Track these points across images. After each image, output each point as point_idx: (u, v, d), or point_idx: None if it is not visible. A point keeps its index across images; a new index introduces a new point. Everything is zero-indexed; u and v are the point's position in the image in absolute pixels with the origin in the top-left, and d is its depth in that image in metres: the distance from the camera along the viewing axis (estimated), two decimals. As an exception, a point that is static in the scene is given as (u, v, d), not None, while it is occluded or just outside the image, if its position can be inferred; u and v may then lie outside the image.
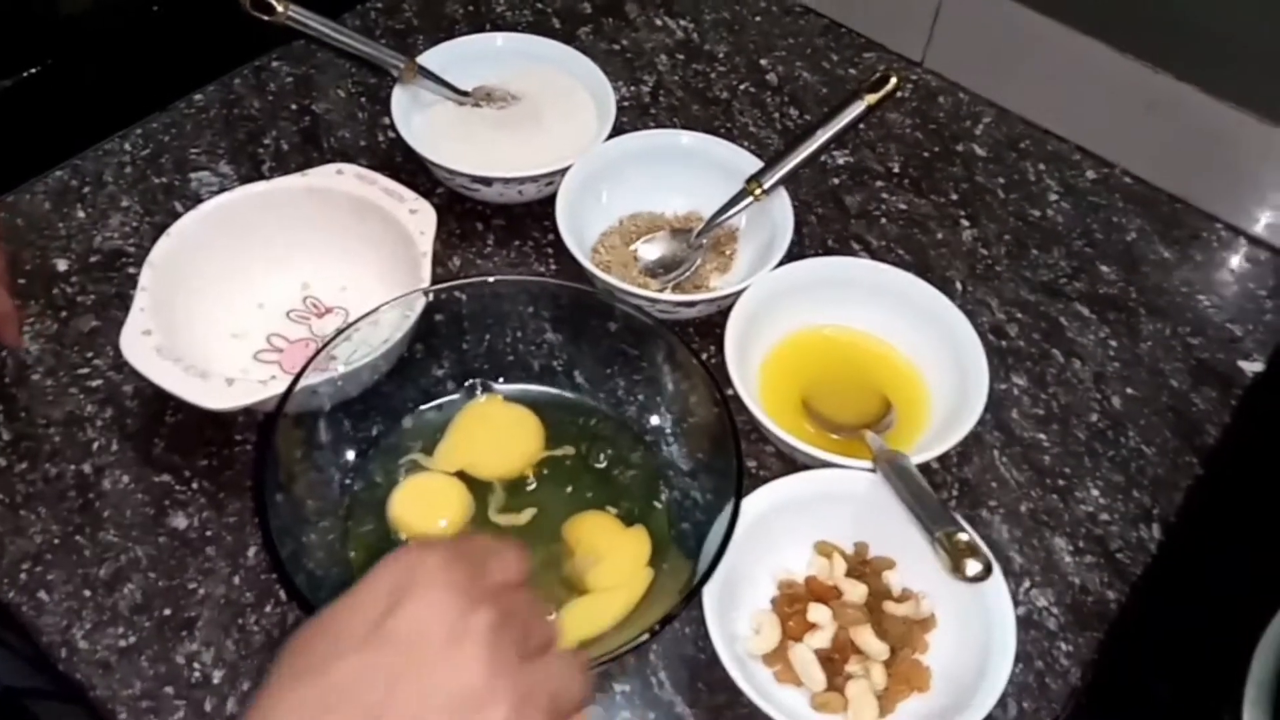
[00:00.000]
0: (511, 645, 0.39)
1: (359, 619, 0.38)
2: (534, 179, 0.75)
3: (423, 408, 0.65)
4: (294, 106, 0.85)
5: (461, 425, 0.65)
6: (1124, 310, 0.76)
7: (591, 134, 0.78)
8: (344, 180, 0.70)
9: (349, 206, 0.70)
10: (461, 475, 0.62)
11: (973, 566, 0.52)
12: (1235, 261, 0.80)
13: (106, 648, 0.59)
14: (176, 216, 0.68)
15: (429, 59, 0.81)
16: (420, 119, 0.80)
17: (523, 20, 0.94)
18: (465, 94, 0.81)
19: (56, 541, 0.62)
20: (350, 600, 0.40)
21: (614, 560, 0.58)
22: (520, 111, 0.81)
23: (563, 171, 0.74)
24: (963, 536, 0.53)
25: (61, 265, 0.74)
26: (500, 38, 0.85)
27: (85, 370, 0.69)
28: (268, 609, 0.60)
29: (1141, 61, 0.79)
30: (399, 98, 0.78)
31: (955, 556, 0.53)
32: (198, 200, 0.71)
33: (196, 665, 0.58)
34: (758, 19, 0.95)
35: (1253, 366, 0.74)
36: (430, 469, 0.63)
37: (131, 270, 0.73)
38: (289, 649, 0.39)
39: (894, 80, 0.71)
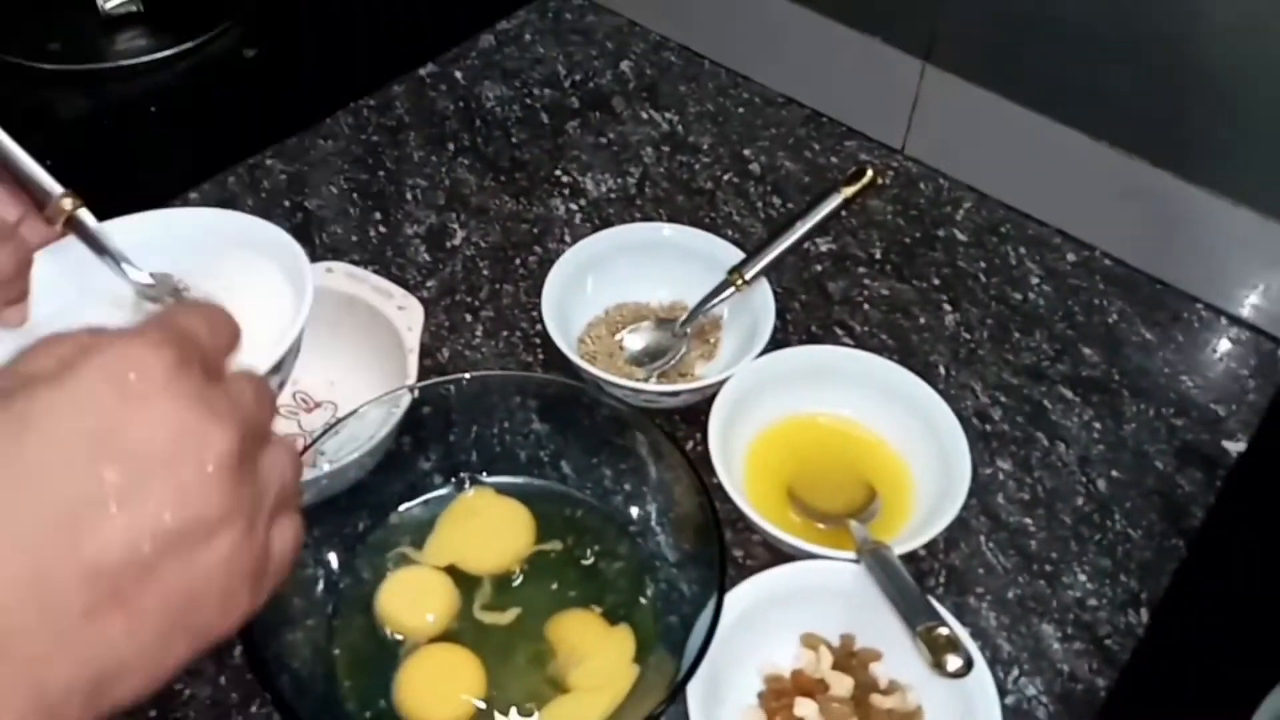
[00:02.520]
0: (248, 461, 0.33)
1: (65, 423, 0.30)
2: None
3: (410, 503, 0.66)
4: (287, 203, 0.87)
5: (451, 518, 0.65)
6: (1107, 392, 0.77)
7: (286, 322, 0.55)
8: (334, 278, 0.72)
9: (338, 303, 0.71)
10: (451, 569, 0.63)
11: (953, 662, 0.52)
12: (1217, 342, 0.81)
13: (93, 750, 0.59)
14: (168, 315, 0.69)
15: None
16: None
17: (512, 116, 0.96)
18: (146, 284, 0.54)
19: (45, 643, 0.62)
20: (50, 397, 0.31)
21: (597, 660, 0.58)
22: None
23: None
24: (943, 631, 0.53)
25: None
26: (174, 217, 0.60)
27: (77, 469, 0.70)
28: (253, 709, 0.60)
29: (1116, 148, 0.80)
30: (45, 270, 0.52)
31: (936, 652, 0.53)
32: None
33: (182, 768, 0.58)
34: (741, 110, 0.97)
35: (1236, 447, 0.74)
36: (419, 563, 0.63)
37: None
38: None
39: (870, 173, 0.72)
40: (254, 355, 0.52)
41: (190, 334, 0.34)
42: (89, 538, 0.30)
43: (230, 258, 0.58)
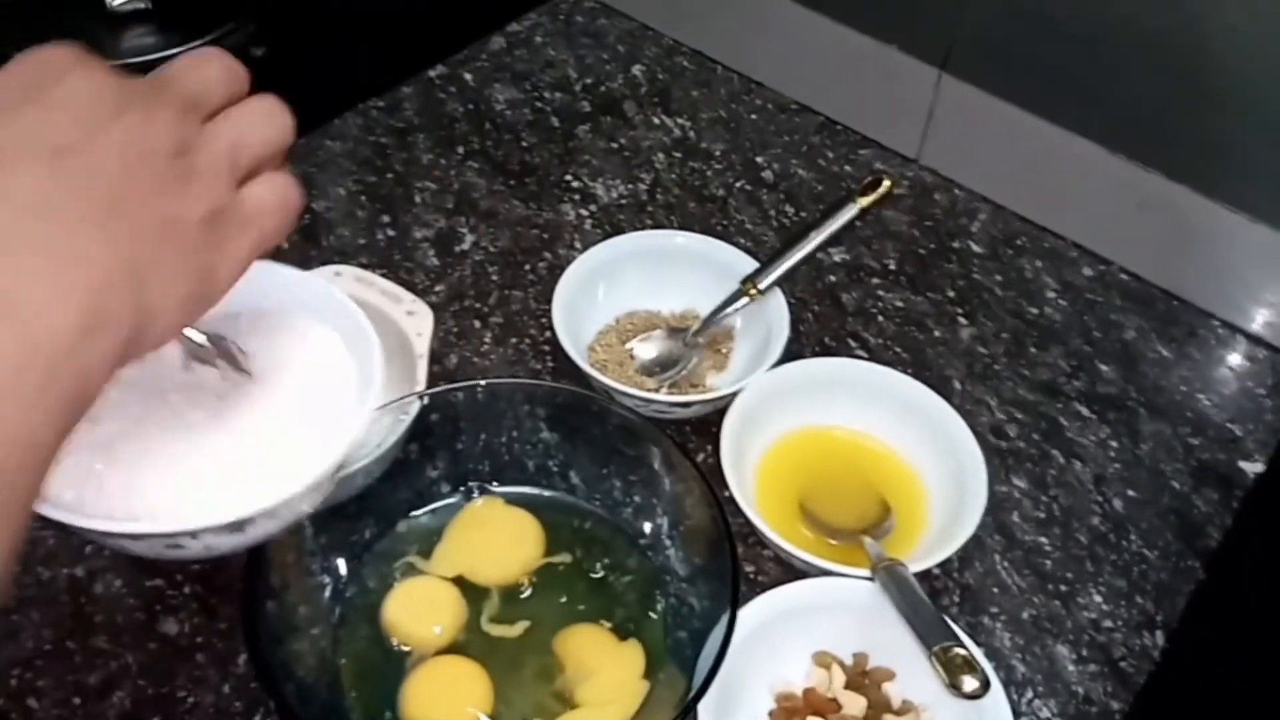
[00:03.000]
0: (206, 115, 0.39)
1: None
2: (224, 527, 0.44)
3: (417, 512, 0.65)
4: (296, 204, 0.86)
5: (460, 528, 0.64)
6: (1123, 410, 0.76)
7: (348, 408, 0.49)
8: (342, 282, 0.70)
9: (347, 308, 0.70)
10: (459, 580, 0.62)
11: (970, 683, 0.51)
12: (1234, 360, 0.80)
13: (94, 758, 0.58)
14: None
15: None
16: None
17: (522, 119, 0.95)
18: (198, 343, 0.47)
19: (48, 647, 0.62)
20: None
21: (606, 675, 0.57)
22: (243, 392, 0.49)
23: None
24: (960, 651, 0.52)
25: (60, 365, 0.74)
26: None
27: (80, 472, 0.69)
28: (257, 718, 0.59)
29: (1133, 161, 0.80)
30: None
31: (952, 672, 0.52)
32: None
33: (183, 777, 0.57)
34: (754, 117, 0.96)
35: (1254, 467, 0.73)
36: (426, 573, 0.62)
37: (130, 370, 0.73)
38: None
39: (887, 183, 0.72)
40: (310, 451, 0.47)
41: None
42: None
43: (288, 323, 0.51)
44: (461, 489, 0.66)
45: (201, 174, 0.37)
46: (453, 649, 0.59)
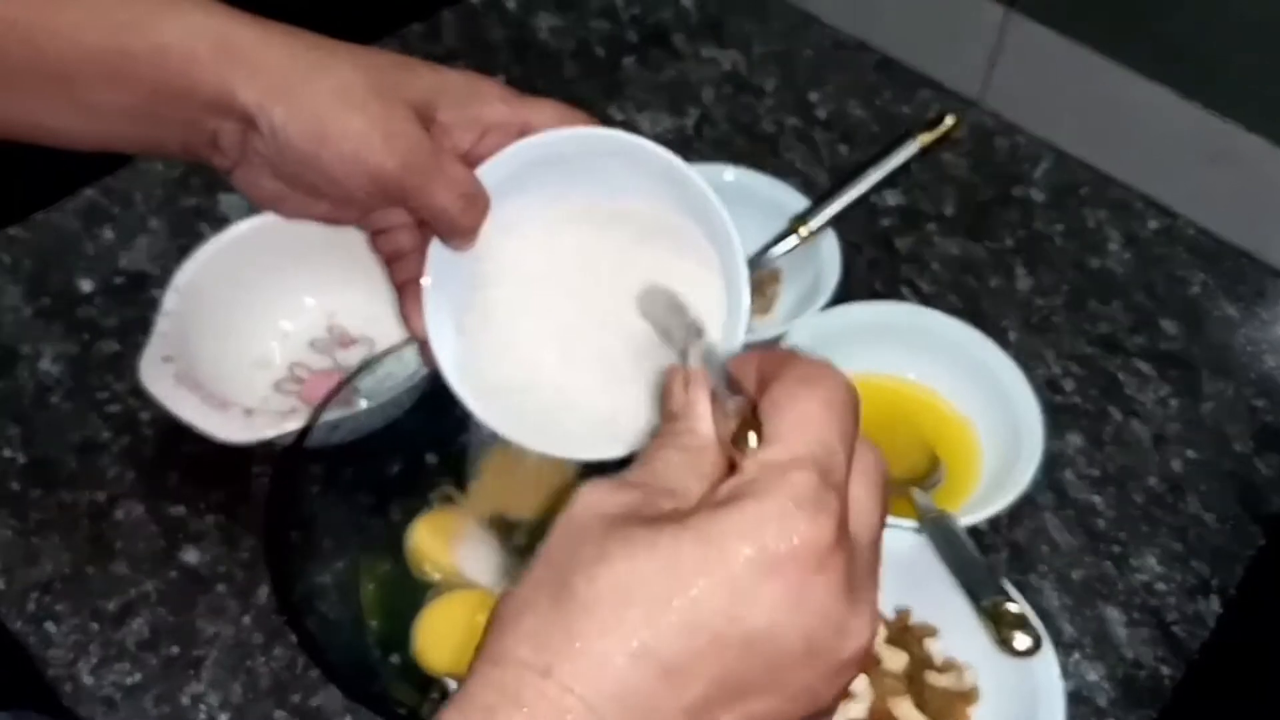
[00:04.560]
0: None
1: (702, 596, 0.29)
2: None
3: (447, 444, 0.63)
4: (331, 129, 0.83)
5: (495, 463, 0.62)
6: (1186, 368, 0.73)
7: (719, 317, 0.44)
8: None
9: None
10: (494, 515, 0.60)
11: (1022, 640, 0.49)
12: (1304, 320, 0.76)
13: (112, 685, 0.57)
14: (204, 239, 0.67)
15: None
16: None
17: (566, 48, 0.92)
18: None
19: (67, 571, 0.61)
20: (685, 551, 0.29)
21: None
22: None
23: None
24: (1012, 607, 0.50)
25: (86, 286, 0.73)
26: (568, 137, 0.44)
27: (104, 395, 0.67)
28: (277, 651, 0.58)
29: (1209, 110, 0.75)
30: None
31: (1003, 628, 0.49)
32: (225, 223, 0.69)
33: (202, 707, 0.56)
34: (808, 52, 0.92)
35: (1322, 432, 0.70)
36: (461, 505, 0.61)
37: (156, 293, 0.71)
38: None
39: (950, 120, 0.68)
40: None
41: (840, 484, 0.31)
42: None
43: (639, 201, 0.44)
44: (492, 424, 0.64)
45: None
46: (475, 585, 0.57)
